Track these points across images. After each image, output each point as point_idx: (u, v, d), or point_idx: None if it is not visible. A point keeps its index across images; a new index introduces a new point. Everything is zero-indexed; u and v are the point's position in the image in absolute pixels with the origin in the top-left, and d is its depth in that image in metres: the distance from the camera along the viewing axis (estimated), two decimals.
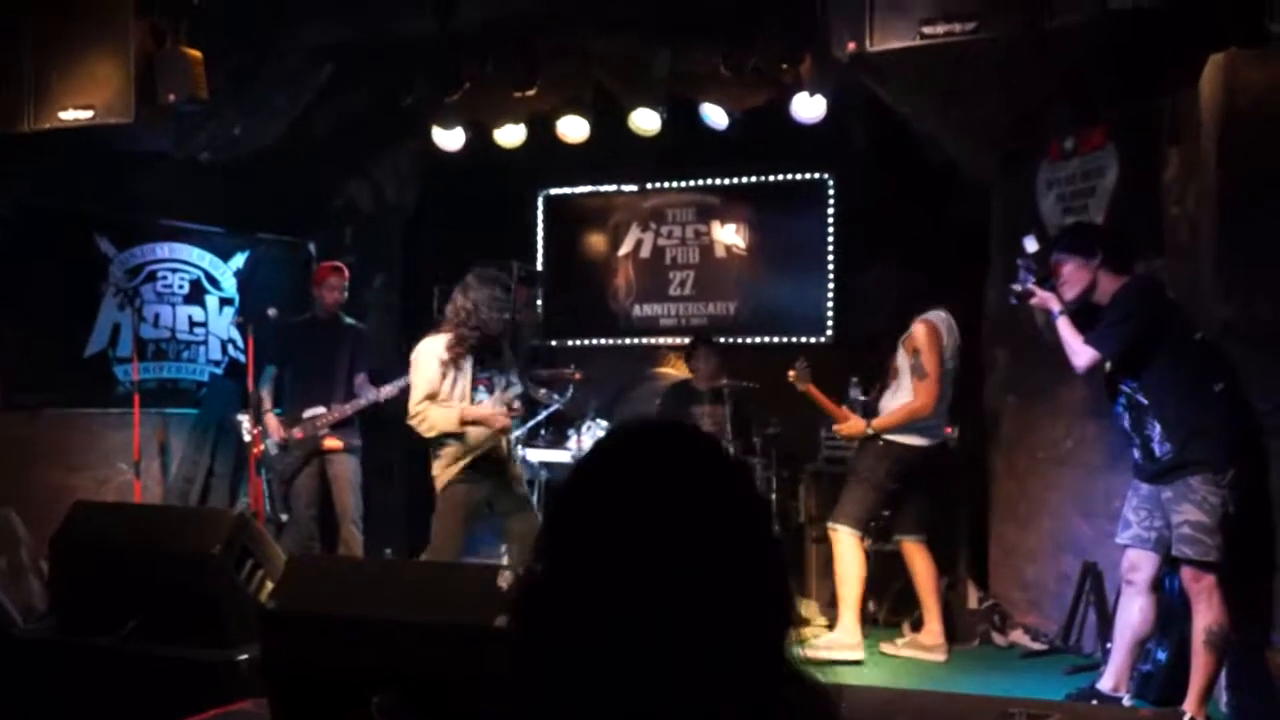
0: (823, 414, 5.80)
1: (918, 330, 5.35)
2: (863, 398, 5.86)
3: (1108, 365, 4.33)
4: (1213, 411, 4.06)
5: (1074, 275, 4.36)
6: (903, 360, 5.41)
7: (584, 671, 1.04)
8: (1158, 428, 4.11)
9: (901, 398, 5.39)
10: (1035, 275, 4.56)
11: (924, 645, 5.45)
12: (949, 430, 6.39)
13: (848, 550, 5.34)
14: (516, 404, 5.36)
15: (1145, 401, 4.15)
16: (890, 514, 5.52)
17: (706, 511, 1.08)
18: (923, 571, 5.46)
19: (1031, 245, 4.80)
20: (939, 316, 5.40)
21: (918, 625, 5.59)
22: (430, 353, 5.18)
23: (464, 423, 5.14)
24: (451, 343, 5.16)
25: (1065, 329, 4.37)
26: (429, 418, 5.13)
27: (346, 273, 6.44)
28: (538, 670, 1.07)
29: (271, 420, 6.23)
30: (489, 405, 5.23)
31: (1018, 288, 4.59)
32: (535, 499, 6.65)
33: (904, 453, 5.37)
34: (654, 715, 1.02)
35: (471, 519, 5.31)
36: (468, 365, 5.22)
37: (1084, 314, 4.39)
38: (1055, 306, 4.40)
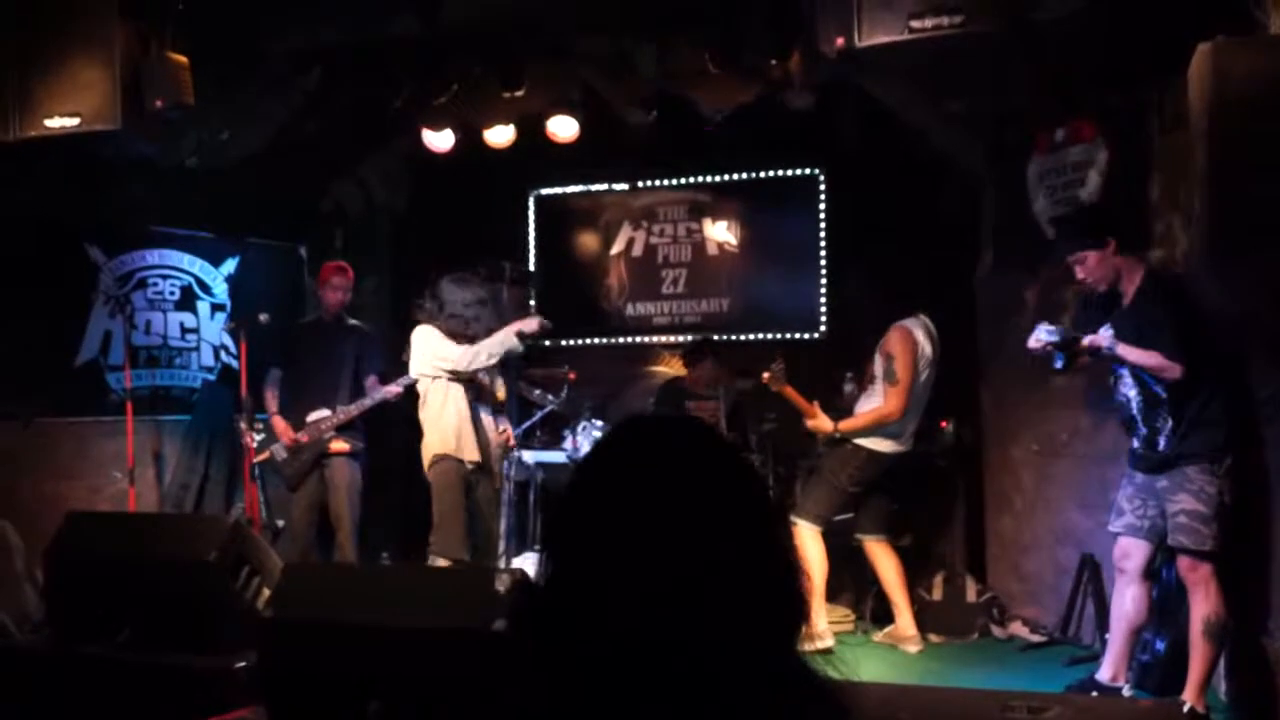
0: (797, 410, 5.84)
1: (892, 336, 5.38)
2: (848, 387, 5.87)
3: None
4: (1217, 402, 4.04)
5: (1098, 267, 4.25)
6: (878, 365, 5.44)
7: (592, 678, 1.00)
8: (1170, 423, 4.08)
9: (874, 402, 5.42)
10: (1062, 346, 4.30)
11: (898, 637, 5.56)
12: (944, 424, 6.41)
13: (808, 543, 5.41)
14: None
15: (1163, 395, 4.10)
16: (853, 514, 5.62)
17: (715, 508, 1.03)
18: (887, 569, 5.54)
19: (1051, 335, 4.35)
20: (915, 323, 5.42)
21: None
22: (428, 328, 5.59)
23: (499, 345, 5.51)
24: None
25: (1132, 354, 4.13)
26: (480, 350, 5.47)
27: (351, 273, 6.35)
28: (544, 678, 1.03)
29: (280, 423, 6.07)
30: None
31: (1052, 349, 4.31)
32: (532, 499, 6.65)
33: (869, 457, 5.42)
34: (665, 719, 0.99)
35: (468, 494, 5.56)
36: None
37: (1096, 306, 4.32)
38: (1104, 342, 4.21)
